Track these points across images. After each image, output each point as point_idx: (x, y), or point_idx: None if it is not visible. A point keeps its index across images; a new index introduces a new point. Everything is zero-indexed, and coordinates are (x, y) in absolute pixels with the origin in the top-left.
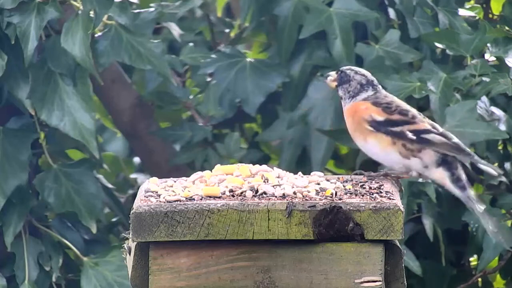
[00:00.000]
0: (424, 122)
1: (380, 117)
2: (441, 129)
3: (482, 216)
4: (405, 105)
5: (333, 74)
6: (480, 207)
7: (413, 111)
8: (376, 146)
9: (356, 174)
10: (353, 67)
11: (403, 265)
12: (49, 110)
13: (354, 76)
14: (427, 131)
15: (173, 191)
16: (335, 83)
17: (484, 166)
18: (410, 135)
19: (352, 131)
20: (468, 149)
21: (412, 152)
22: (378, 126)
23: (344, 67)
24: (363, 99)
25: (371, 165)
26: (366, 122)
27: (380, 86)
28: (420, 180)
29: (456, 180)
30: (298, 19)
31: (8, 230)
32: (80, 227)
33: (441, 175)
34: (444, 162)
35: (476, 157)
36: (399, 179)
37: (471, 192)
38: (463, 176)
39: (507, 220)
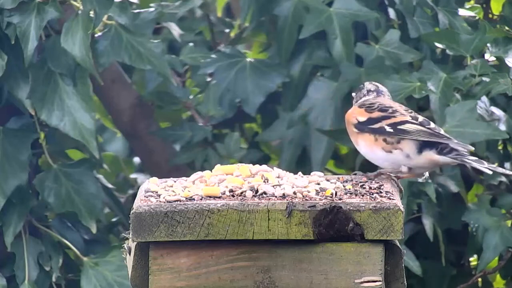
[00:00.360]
0: (405, 115)
1: (363, 117)
2: (421, 119)
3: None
4: (390, 103)
5: None
6: (480, 165)
7: (397, 107)
8: (365, 147)
9: (354, 174)
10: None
11: (403, 265)
12: (49, 110)
13: (366, 85)
14: (404, 122)
15: (173, 191)
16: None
17: (459, 146)
18: (388, 128)
19: (349, 136)
20: (445, 134)
21: (392, 144)
22: (361, 127)
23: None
24: (357, 103)
25: (371, 165)
26: (352, 125)
27: (387, 95)
28: (420, 180)
29: (441, 150)
30: (298, 19)
31: (8, 230)
32: (80, 227)
33: (427, 157)
34: (424, 146)
35: (455, 141)
36: (399, 179)
37: (469, 157)
38: (449, 146)
39: (507, 220)
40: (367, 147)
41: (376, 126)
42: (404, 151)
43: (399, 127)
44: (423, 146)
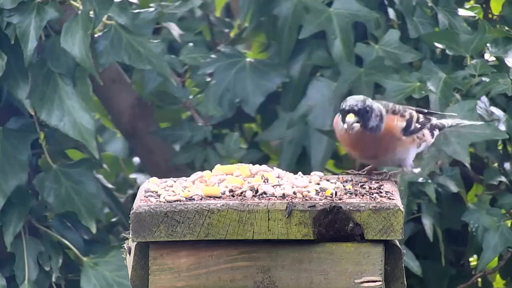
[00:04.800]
0: (407, 111)
1: (403, 123)
2: (414, 109)
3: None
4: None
5: (351, 117)
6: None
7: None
8: (402, 152)
9: (361, 174)
10: (357, 99)
11: (403, 265)
12: (48, 110)
13: (372, 106)
14: (418, 117)
15: (173, 191)
16: (359, 123)
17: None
18: (418, 126)
19: (382, 152)
20: (430, 111)
21: (421, 139)
22: (405, 132)
23: (354, 105)
24: (387, 113)
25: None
26: (400, 134)
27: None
28: (421, 180)
29: (440, 126)
30: (298, 19)
31: (8, 230)
32: (80, 227)
33: (436, 138)
34: (431, 129)
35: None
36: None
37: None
38: (438, 122)
39: (507, 220)
40: (404, 150)
41: (412, 127)
42: (426, 142)
43: (420, 121)
44: (431, 129)
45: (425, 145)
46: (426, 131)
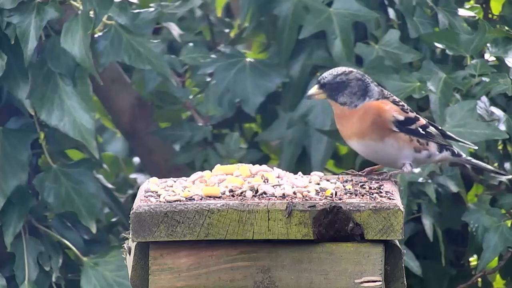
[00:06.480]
0: (414, 112)
1: (401, 116)
2: (426, 120)
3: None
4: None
5: (314, 89)
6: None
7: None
8: (392, 146)
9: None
10: (332, 72)
11: (403, 265)
12: (48, 110)
13: (348, 77)
14: (428, 125)
15: (173, 191)
16: (323, 95)
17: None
18: (421, 131)
19: (367, 131)
20: (449, 134)
21: (423, 145)
22: (400, 126)
23: (324, 78)
24: (382, 98)
25: (370, 165)
26: (391, 123)
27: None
28: (421, 180)
29: (455, 153)
30: (298, 19)
31: (8, 230)
32: (80, 227)
33: (444, 157)
34: (442, 147)
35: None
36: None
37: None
38: (455, 149)
39: (507, 220)
40: (398, 146)
41: (413, 127)
42: (430, 151)
43: (427, 130)
44: (441, 146)
45: (427, 153)
46: (433, 144)
